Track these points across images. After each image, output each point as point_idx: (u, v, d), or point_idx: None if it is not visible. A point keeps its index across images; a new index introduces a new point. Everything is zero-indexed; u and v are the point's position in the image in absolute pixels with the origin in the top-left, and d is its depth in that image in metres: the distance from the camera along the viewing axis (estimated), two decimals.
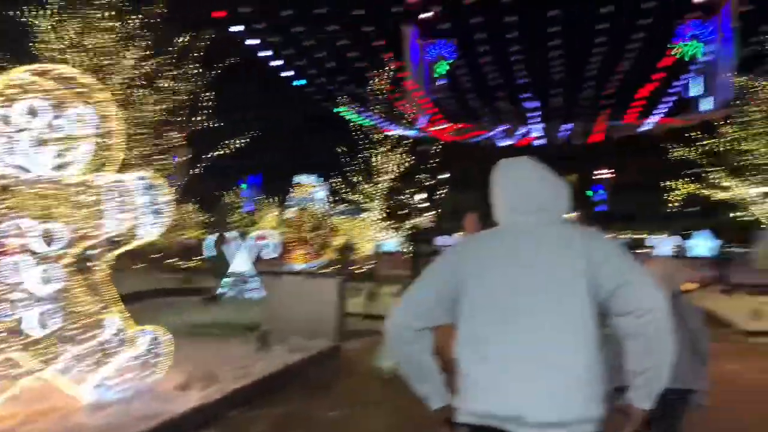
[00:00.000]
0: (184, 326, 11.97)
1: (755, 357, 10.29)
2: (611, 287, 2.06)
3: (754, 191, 15.11)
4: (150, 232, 5.87)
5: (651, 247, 68.36)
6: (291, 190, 24.24)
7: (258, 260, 17.38)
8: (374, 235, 19.90)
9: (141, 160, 10.89)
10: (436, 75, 27.58)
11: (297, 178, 23.74)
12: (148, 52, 10.72)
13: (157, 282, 17.98)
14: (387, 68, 18.25)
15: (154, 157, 11.22)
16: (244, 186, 43.03)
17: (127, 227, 5.72)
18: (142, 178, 5.73)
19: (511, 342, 2.05)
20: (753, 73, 15.46)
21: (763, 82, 15.10)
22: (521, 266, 2.14)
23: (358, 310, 14.07)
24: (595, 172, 67.17)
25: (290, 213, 23.95)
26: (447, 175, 29.27)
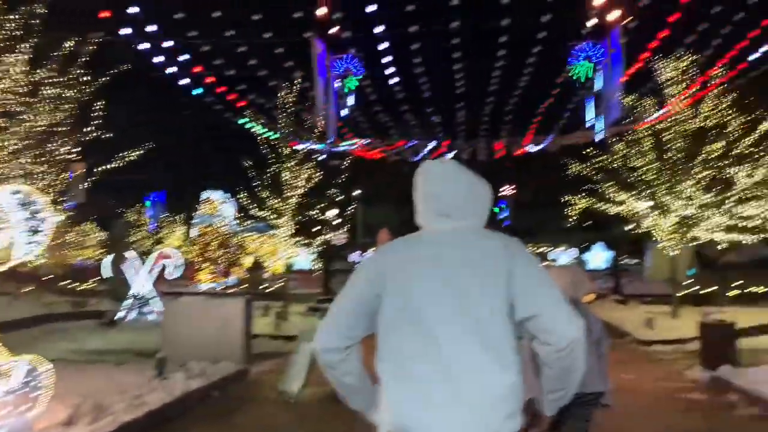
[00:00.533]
0: (77, 353, 11.13)
1: (650, 366, 10.83)
2: (528, 314, 2.02)
3: (643, 205, 16.07)
4: (27, 251, 5.31)
5: (554, 260, 72.12)
6: (197, 206, 23.35)
7: (160, 281, 16.55)
8: (284, 253, 19.44)
9: (25, 176, 9.99)
10: (345, 90, 27.84)
11: (204, 194, 22.91)
12: (27, 57, 9.89)
13: (49, 306, 16.68)
14: (295, 80, 17.95)
15: (40, 171, 10.34)
16: (148, 203, 41.03)
17: (1, 246, 5.14)
18: (17, 192, 5.18)
19: (432, 359, 1.98)
20: (638, 93, 16.53)
21: (649, 101, 16.17)
22: (443, 278, 2.06)
23: (266, 331, 13.66)
24: (501, 189, 69.59)
25: (196, 231, 23.05)
26: (358, 191, 29.31)
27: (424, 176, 2.27)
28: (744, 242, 18.08)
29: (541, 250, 74.81)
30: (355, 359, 2.18)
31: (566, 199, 18.38)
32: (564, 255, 72.84)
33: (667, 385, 9.06)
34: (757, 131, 15.59)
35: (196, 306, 10.75)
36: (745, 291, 19.40)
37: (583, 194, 17.73)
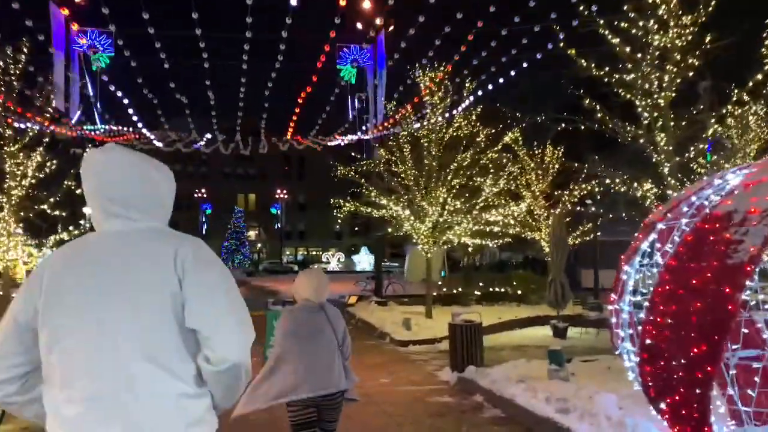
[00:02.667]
0: None
1: (406, 367, 10.82)
2: (192, 326, 1.89)
3: (403, 209, 16.48)
4: None
5: (327, 262, 73.86)
6: None
7: None
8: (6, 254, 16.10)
9: None
10: (94, 68, 24.17)
11: None
12: None
13: None
14: (21, 46, 14.84)
15: None
16: None
17: None
18: None
19: (95, 380, 1.82)
20: (401, 100, 17.03)
21: (409, 109, 16.69)
22: (103, 289, 1.88)
23: None
24: (278, 191, 69.20)
25: None
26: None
27: (86, 168, 2.01)
28: (488, 246, 19.78)
29: (314, 253, 76.48)
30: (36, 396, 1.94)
31: (334, 201, 18.19)
32: (335, 258, 75.26)
33: (418, 389, 8.99)
34: (500, 144, 17.04)
35: None
36: (489, 291, 21.15)
37: (350, 197, 17.72)
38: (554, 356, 8.64)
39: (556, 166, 19.19)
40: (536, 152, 19.20)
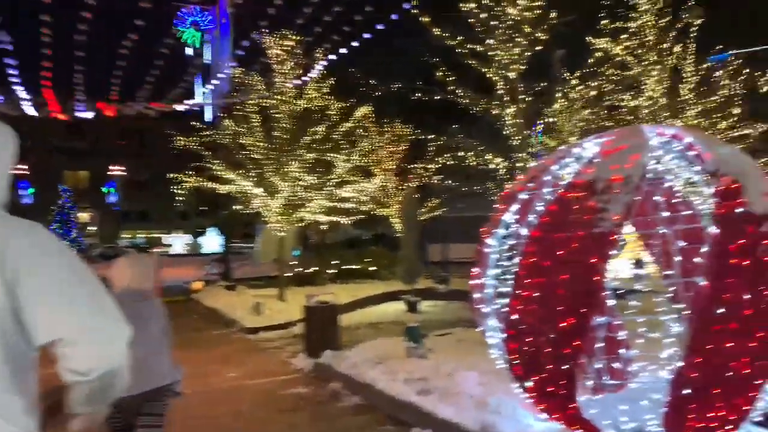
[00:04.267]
0: None
1: (257, 357, 10.05)
2: (44, 338, 1.59)
3: (252, 185, 15.47)
4: None
5: (169, 245, 69.51)
6: None
7: None
8: None
9: None
10: None
11: None
12: None
13: None
14: None
15: None
16: None
17: None
18: None
19: None
20: (247, 67, 15.83)
21: (256, 77, 15.59)
22: None
23: None
24: (110, 168, 63.80)
25: None
26: None
27: None
28: (342, 223, 19.40)
29: (156, 236, 71.55)
30: None
31: (174, 176, 16.58)
32: (180, 240, 71.12)
33: (272, 380, 8.31)
34: (352, 119, 16.61)
35: None
36: (343, 269, 20.85)
37: (192, 172, 16.26)
38: (411, 333, 8.41)
39: (407, 141, 19.24)
40: (387, 128, 19.08)
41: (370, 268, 20.71)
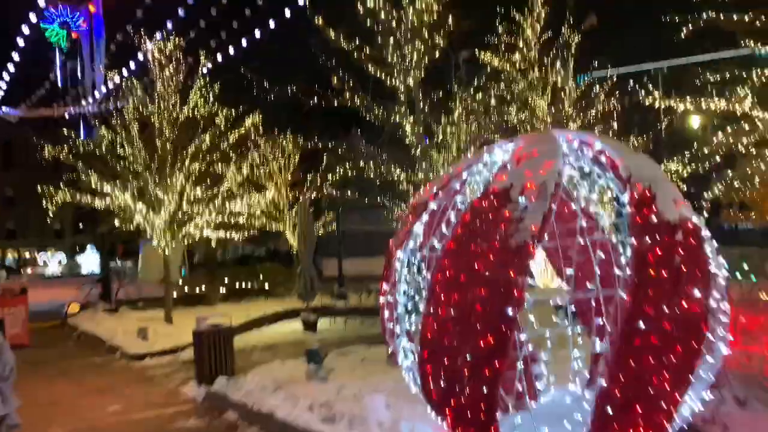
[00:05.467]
0: None
1: (142, 386, 9.06)
2: None
3: (131, 199, 14.20)
4: None
5: (42, 264, 63.75)
6: None
7: None
8: None
9: None
10: None
11: None
12: None
13: None
14: None
15: None
16: None
17: None
18: None
19: None
20: (125, 72, 14.60)
21: (135, 83, 14.39)
22: None
23: None
24: None
25: None
26: None
27: None
28: (232, 239, 18.43)
29: (26, 255, 65.33)
30: None
31: (42, 190, 14.87)
32: (53, 259, 65.44)
33: (159, 413, 7.48)
34: (242, 128, 15.82)
35: None
36: (235, 287, 19.85)
37: (64, 184, 14.67)
38: (311, 355, 7.93)
39: (300, 151, 18.72)
40: (278, 140, 18.48)
41: (264, 286, 19.86)
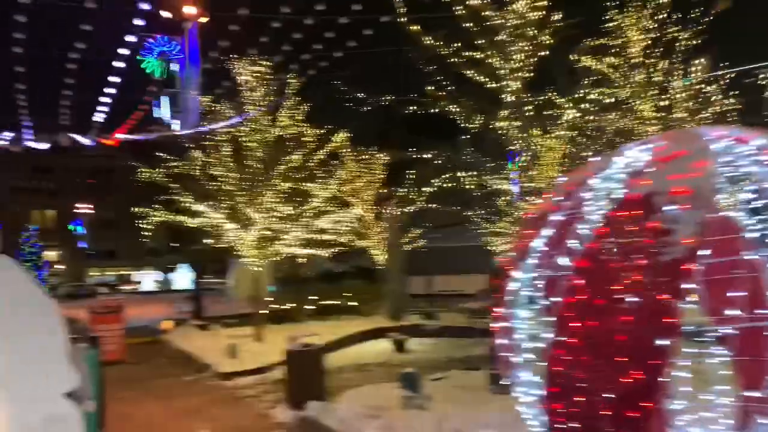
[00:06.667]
0: None
1: (232, 407, 8.89)
2: None
3: (224, 218, 14.37)
4: None
5: (138, 282, 67.17)
6: None
7: None
8: None
9: None
10: None
11: None
12: None
13: None
14: None
15: None
16: None
17: None
18: None
19: None
20: (217, 96, 14.89)
21: (227, 105, 14.66)
22: None
23: None
24: (77, 206, 62.15)
25: None
26: None
27: None
28: (314, 257, 18.36)
29: (124, 273, 69.16)
30: None
31: (140, 210, 15.39)
32: (150, 277, 68.82)
33: None
34: (329, 146, 15.77)
35: None
36: (323, 305, 19.73)
37: (159, 205, 15.12)
38: (408, 380, 7.42)
39: (387, 167, 18.49)
40: (366, 153, 18.34)
41: (350, 303, 19.61)
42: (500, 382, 7.81)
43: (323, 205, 15.82)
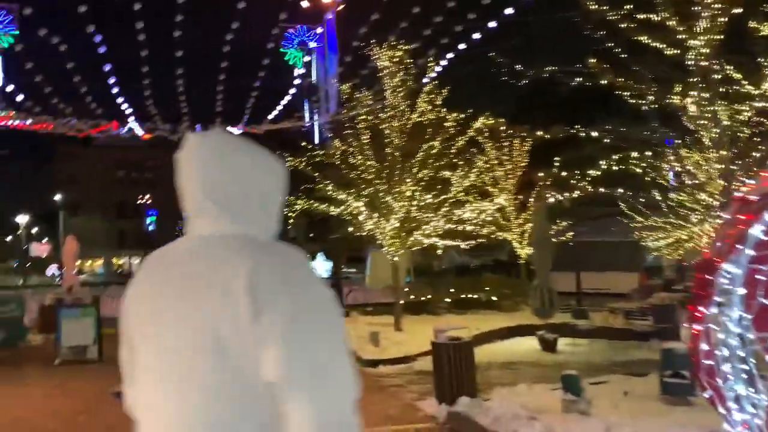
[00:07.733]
0: None
1: (379, 396, 8.71)
2: (268, 377, 1.35)
3: (363, 206, 14.42)
4: None
5: None
6: None
7: None
8: None
9: None
10: None
11: None
12: None
13: None
14: None
15: None
16: None
17: None
18: None
19: (149, 413, 1.47)
20: (355, 83, 14.92)
21: (366, 94, 14.64)
22: (159, 310, 1.46)
23: None
24: None
25: None
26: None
27: (180, 156, 1.58)
28: (453, 249, 17.96)
29: None
30: None
31: (285, 199, 15.94)
32: None
33: (401, 429, 7.02)
34: (469, 131, 15.27)
35: None
36: (461, 297, 19.30)
37: (301, 194, 15.51)
38: (570, 382, 6.80)
39: (526, 155, 17.72)
40: (511, 137, 17.66)
41: (491, 298, 18.97)
42: (679, 393, 6.99)
43: (463, 195, 15.38)
